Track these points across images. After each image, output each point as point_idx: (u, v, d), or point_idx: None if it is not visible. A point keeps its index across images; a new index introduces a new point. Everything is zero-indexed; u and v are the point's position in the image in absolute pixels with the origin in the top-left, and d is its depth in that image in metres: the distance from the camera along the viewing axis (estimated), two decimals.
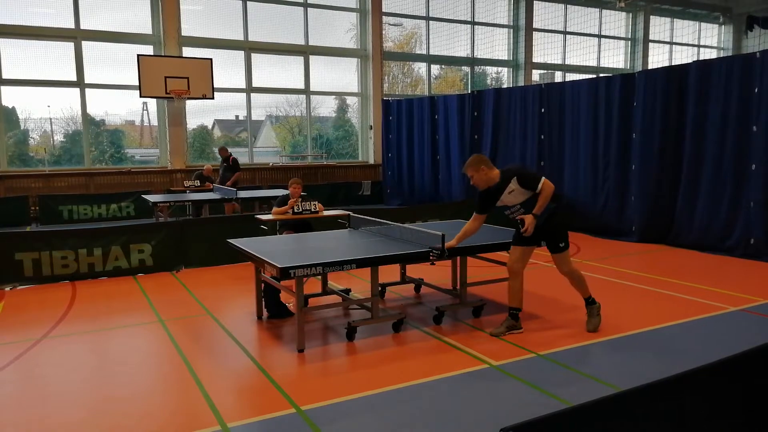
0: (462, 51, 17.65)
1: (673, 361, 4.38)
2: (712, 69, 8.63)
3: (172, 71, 13.24)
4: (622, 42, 20.29)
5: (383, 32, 16.24)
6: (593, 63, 19.47)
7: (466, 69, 18.31)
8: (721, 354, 2.77)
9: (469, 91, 14.33)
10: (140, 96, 13.20)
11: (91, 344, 5.18)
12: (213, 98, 13.85)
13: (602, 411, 2.30)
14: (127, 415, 3.73)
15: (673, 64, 12.67)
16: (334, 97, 16.73)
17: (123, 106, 14.63)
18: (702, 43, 21.64)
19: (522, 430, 2.05)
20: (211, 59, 13.69)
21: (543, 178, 4.93)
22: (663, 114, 9.20)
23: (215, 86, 13.79)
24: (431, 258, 5.09)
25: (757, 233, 8.07)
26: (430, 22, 17.06)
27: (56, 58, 13.07)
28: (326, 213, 7.68)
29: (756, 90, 8.00)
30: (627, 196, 9.69)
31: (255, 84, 15.07)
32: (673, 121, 9.12)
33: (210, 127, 16.13)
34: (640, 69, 18.04)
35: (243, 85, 14.95)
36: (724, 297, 6.22)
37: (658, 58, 20.14)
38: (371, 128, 16.31)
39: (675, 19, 20.88)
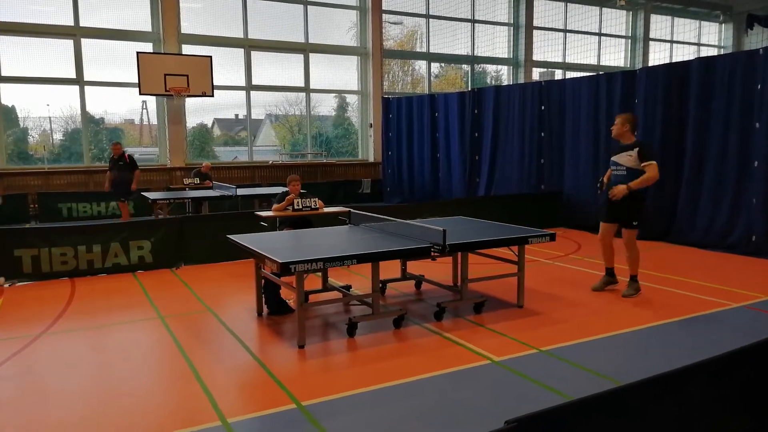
0: (462, 49, 17.63)
1: (675, 357, 4.36)
2: (715, 66, 8.60)
3: (172, 69, 13.21)
4: (623, 40, 20.26)
5: (383, 30, 16.21)
6: (593, 61, 19.45)
7: (467, 68, 18.28)
8: (723, 350, 2.76)
9: (469, 89, 14.30)
10: (140, 93, 13.16)
11: (91, 340, 5.15)
12: (213, 96, 13.83)
13: (605, 404, 2.29)
14: (128, 411, 3.70)
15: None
16: (333, 95, 16.70)
17: (122, 105, 14.59)
18: (702, 42, 21.62)
19: (526, 422, 2.03)
20: (210, 57, 13.66)
21: (654, 162, 5.81)
22: (664, 111, 9.17)
23: (215, 84, 13.76)
24: (432, 253, 5.06)
25: (758, 231, 8.04)
26: (431, 20, 17.03)
27: (55, 56, 13.04)
28: (326, 210, 7.65)
29: (759, 87, 7.97)
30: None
31: (255, 82, 15.04)
32: (674, 118, 9.10)
33: (210, 125, 16.10)
34: (641, 67, 18.01)
35: (243, 83, 14.92)
36: (726, 294, 6.20)
37: (658, 56, 20.12)
38: (371, 126, 16.28)
39: (675, 18, 20.85)
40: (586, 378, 4.09)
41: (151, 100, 14.21)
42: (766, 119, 7.90)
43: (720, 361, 2.65)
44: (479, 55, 17.92)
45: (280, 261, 4.44)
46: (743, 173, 8.25)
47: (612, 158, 6.11)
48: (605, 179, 6.23)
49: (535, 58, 18.35)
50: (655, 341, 4.85)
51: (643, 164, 5.80)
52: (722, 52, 21.01)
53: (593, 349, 4.69)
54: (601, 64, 19.44)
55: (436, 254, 5.06)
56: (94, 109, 13.97)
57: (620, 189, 5.83)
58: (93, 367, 4.54)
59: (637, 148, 5.88)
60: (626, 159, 5.92)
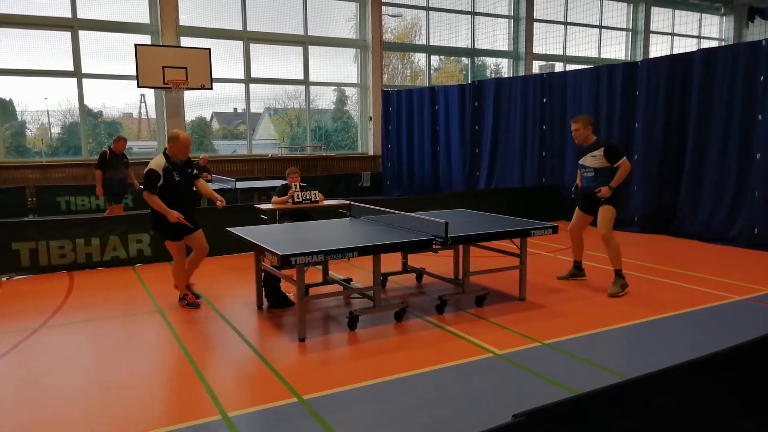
0: (462, 42, 17.53)
1: (679, 351, 4.32)
2: (717, 57, 8.54)
3: (170, 61, 13.12)
4: (623, 33, 20.17)
5: (383, 23, 16.11)
6: (594, 54, 19.35)
7: (466, 61, 18.19)
8: (727, 343, 2.73)
9: (470, 82, 14.22)
10: (138, 86, 13.07)
11: (90, 334, 5.10)
12: (212, 89, 13.74)
13: (612, 398, 2.27)
14: (127, 404, 3.66)
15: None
16: (333, 88, 16.60)
17: (121, 99, 14.50)
18: (703, 35, 21.52)
19: (534, 416, 1.99)
20: (209, 49, 13.56)
21: (624, 158, 5.86)
22: (666, 103, 9.11)
23: (214, 77, 13.67)
24: (434, 246, 5.02)
25: (761, 223, 8.01)
26: (431, 12, 16.92)
27: (53, 48, 12.93)
28: (326, 203, 7.60)
29: (762, 78, 7.92)
30: (629, 186, 9.60)
31: (254, 75, 14.94)
32: (676, 110, 9.04)
33: (208, 119, 16.02)
34: (642, 59, 17.93)
35: (242, 76, 14.83)
36: (729, 286, 6.16)
37: (659, 48, 20.02)
38: (371, 119, 16.20)
39: (676, 10, 20.75)
40: (588, 371, 4.06)
41: (150, 94, 14.12)
42: None
43: (725, 354, 2.63)
44: (479, 47, 17.82)
45: (281, 253, 4.39)
46: (745, 165, 8.21)
47: (579, 162, 6.17)
48: (579, 183, 6.27)
49: (535, 50, 18.25)
50: (657, 335, 4.81)
51: (615, 164, 5.86)
52: (723, 45, 20.91)
53: (596, 342, 4.66)
54: (601, 56, 19.35)
55: (438, 246, 5.02)
56: (92, 102, 13.88)
57: (606, 191, 5.89)
58: (92, 360, 4.50)
59: (602, 148, 5.92)
60: (591, 161, 5.98)
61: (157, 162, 5.38)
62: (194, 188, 5.71)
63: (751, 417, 2.87)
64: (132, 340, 4.93)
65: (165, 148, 5.43)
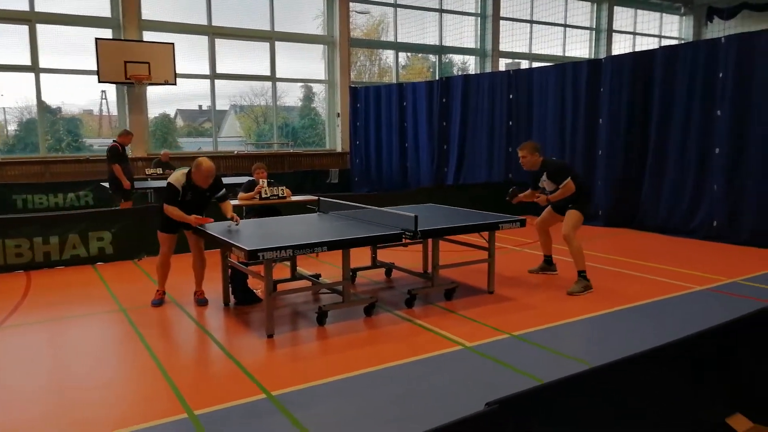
0: (430, 39, 17.57)
1: (643, 339, 4.40)
2: (678, 55, 8.74)
3: (132, 56, 12.80)
4: (587, 32, 20.52)
5: (350, 19, 16.03)
6: (559, 52, 19.64)
7: (433, 59, 18.25)
8: (689, 331, 2.79)
9: (438, 78, 14.27)
10: (99, 81, 12.71)
11: (49, 334, 4.92)
12: (175, 84, 13.46)
13: (581, 385, 2.30)
14: (90, 406, 3.54)
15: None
16: (300, 85, 16.46)
17: (81, 95, 14.06)
18: (664, 34, 22.05)
19: (508, 403, 2.00)
20: (173, 44, 13.28)
21: (569, 179, 5.78)
22: (629, 99, 9.29)
23: (178, 72, 13.40)
24: (404, 240, 5.00)
25: (719, 216, 8.23)
26: (398, 9, 16.92)
27: (9, 43, 12.47)
28: (294, 198, 7.52)
29: (720, 75, 8.13)
30: (593, 181, 9.77)
31: (219, 71, 14.71)
32: (639, 106, 9.23)
33: (172, 116, 15.70)
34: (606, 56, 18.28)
35: (207, 72, 14.57)
36: (690, 277, 6.32)
37: (621, 46, 20.44)
38: (338, 116, 16.12)
39: (638, 10, 21.21)
40: (556, 361, 4.10)
41: (111, 91, 13.75)
42: (727, 107, 8.07)
43: (688, 341, 2.69)
44: (447, 45, 17.89)
45: (248, 249, 4.31)
46: (705, 160, 8.42)
47: (538, 185, 6.17)
48: (524, 196, 6.33)
49: (502, 48, 18.42)
50: (623, 324, 4.89)
51: (560, 185, 5.84)
52: (684, 43, 21.46)
53: (563, 333, 4.71)
54: (566, 55, 19.65)
55: (408, 240, 5.01)
56: (51, 98, 13.45)
57: (542, 200, 6.05)
58: (51, 361, 4.34)
59: (545, 173, 5.96)
60: (545, 183, 6.02)
61: (178, 178, 5.36)
62: (205, 207, 5.55)
63: (714, 402, 2.94)
64: (93, 340, 4.78)
65: (190, 169, 5.34)
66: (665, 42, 21.76)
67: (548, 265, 6.58)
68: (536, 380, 3.71)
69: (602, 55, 19.64)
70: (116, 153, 9.30)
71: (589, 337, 4.71)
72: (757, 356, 3.07)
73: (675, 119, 8.75)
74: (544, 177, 5.97)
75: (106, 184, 9.70)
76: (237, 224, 5.35)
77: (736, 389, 3.01)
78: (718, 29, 19.04)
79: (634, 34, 21.29)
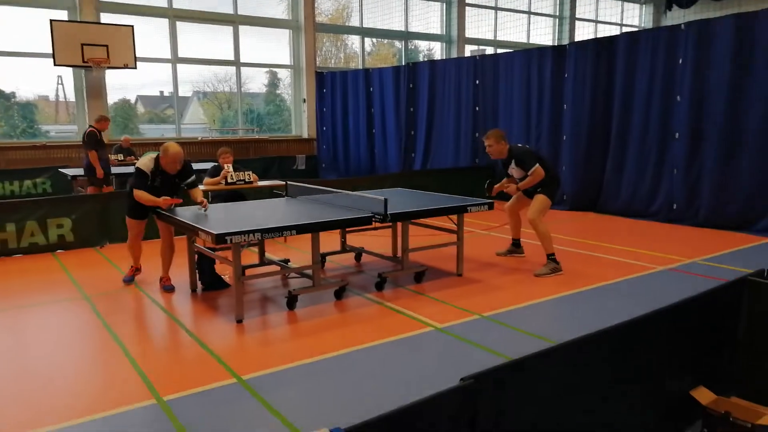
0: (396, 25, 17.49)
1: (606, 317, 4.50)
2: (640, 41, 8.90)
3: (90, 38, 12.36)
4: (551, 20, 20.73)
5: (316, 3, 15.82)
6: (523, 39, 19.80)
7: (399, 45, 18.18)
8: (652, 308, 2.88)
9: (404, 64, 14.23)
10: (54, 64, 12.24)
11: (8, 323, 4.76)
12: (135, 68, 13.06)
13: (548, 360, 2.36)
14: (54, 394, 3.45)
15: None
16: (265, 71, 16.20)
17: (36, 81, 13.54)
18: (625, 23, 22.44)
19: (482, 378, 2.02)
20: (132, 26, 12.88)
21: (537, 165, 5.83)
22: (593, 85, 9.44)
23: (138, 56, 13.02)
24: (374, 223, 5.00)
25: (679, 199, 8.47)
26: None
27: None
28: (261, 183, 7.43)
29: (680, 61, 8.32)
30: (558, 166, 9.92)
31: (181, 55, 14.35)
32: (602, 91, 9.38)
33: (133, 102, 15.27)
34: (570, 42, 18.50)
35: (168, 56, 14.21)
36: (651, 258, 6.49)
37: (584, 33, 20.70)
38: (305, 102, 15.94)
39: None
40: (524, 339, 4.17)
41: (68, 77, 13.28)
42: (687, 93, 8.27)
43: (651, 317, 2.78)
44: (413, 31, 17.84)
45: (215, 233, 4.24)
46: (665, 144, 8.63)
47: (507, 173, 6.21)
48: (503, 186, 6.29)
49: (467, 35, 18.47)
50: (586, 304, 5.00)
51: (528, 172, 5.87)
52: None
53: (530, 313, 4.79)
54: (530, 42, 19.83)
55: (377, 224, 5.00)
56: (4, 84, 12.93)
57: (512, 189, 6.13)
58: (12, 350, 4.20)
59: (513, 160, 5.99)
60: (514, 171, 6.05)
61: (146, 163, 5.28)
62: (174, 194, 5.43)
63: (678, 375, 3.04)
64: (56, 328, 4.65)
65: (158, 154, 5.26)
66: (626, 30, 22.12)
67: (516, 248, 6.67)
68: (506, 358, 3.77)
69: (566, 42, 19.91)
70: (94, 139, 8.96)
71: (556, 317, 4.80)
72: (715, 330, 3.19)
73: (636, 104, 8.93)
74: (513, 164, 6.01)
75: (68, 171, 9.38)
76: (205, 209, 5.26)
77: (698, 363, 3.12)
78: (677, 17, 19.44)
79: (597, 22, 21.60)
